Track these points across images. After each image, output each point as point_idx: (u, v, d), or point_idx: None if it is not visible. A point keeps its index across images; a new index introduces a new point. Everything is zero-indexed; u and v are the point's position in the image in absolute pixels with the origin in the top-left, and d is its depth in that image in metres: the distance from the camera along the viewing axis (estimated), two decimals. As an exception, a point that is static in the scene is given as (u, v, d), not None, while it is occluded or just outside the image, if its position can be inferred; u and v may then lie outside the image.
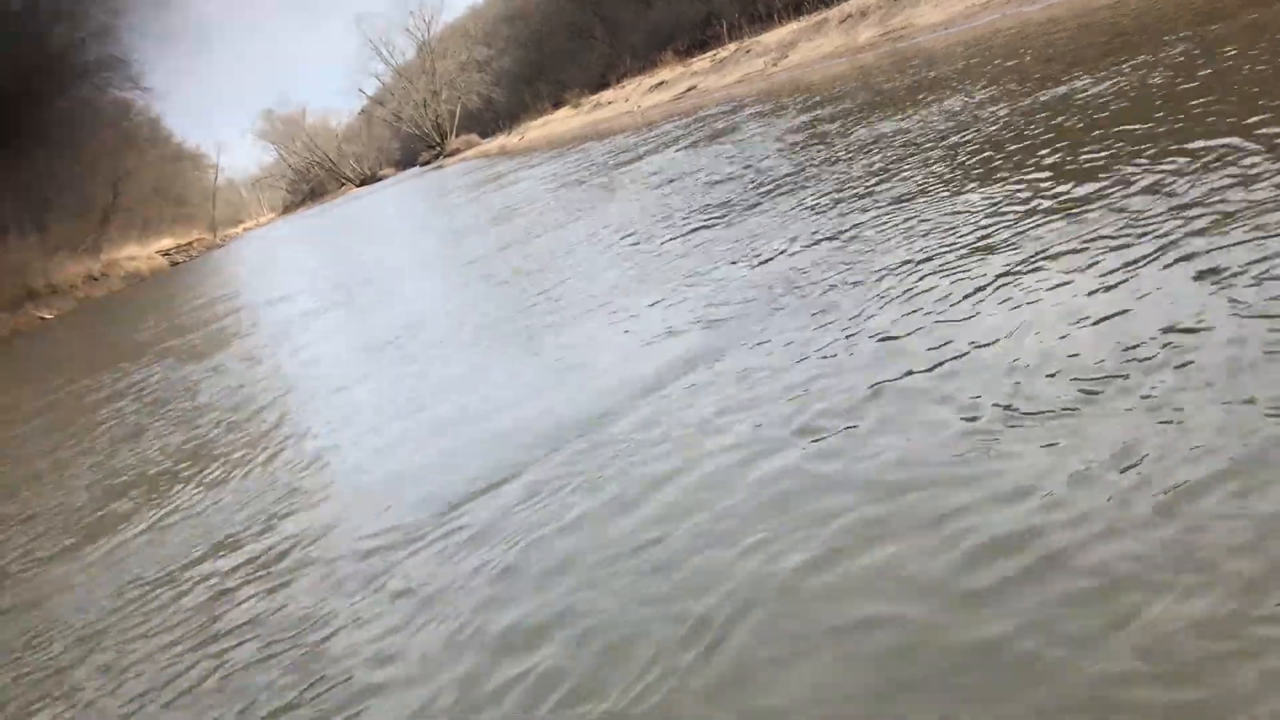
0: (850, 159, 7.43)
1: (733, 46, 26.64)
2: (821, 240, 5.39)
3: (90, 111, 62.12)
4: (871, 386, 3.37)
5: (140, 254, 57.39)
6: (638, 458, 3.48)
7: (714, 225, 6.78)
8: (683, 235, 6.79)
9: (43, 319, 39.66)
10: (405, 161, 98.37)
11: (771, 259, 5.39)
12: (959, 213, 4.98)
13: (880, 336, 3.77)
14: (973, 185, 5.48)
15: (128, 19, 57.30)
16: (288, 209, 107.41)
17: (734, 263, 5.60)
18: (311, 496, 4.25)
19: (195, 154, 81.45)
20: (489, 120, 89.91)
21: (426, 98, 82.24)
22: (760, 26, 32.89)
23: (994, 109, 7.37)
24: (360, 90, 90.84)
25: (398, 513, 3.77)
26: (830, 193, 6.52)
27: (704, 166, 10.06)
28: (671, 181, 9.81)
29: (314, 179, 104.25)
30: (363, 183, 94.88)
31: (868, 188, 6.29)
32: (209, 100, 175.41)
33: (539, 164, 21.69)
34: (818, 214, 6.06)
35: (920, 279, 4.21)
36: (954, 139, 6.76)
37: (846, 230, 5.41)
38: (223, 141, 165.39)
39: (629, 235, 7.51)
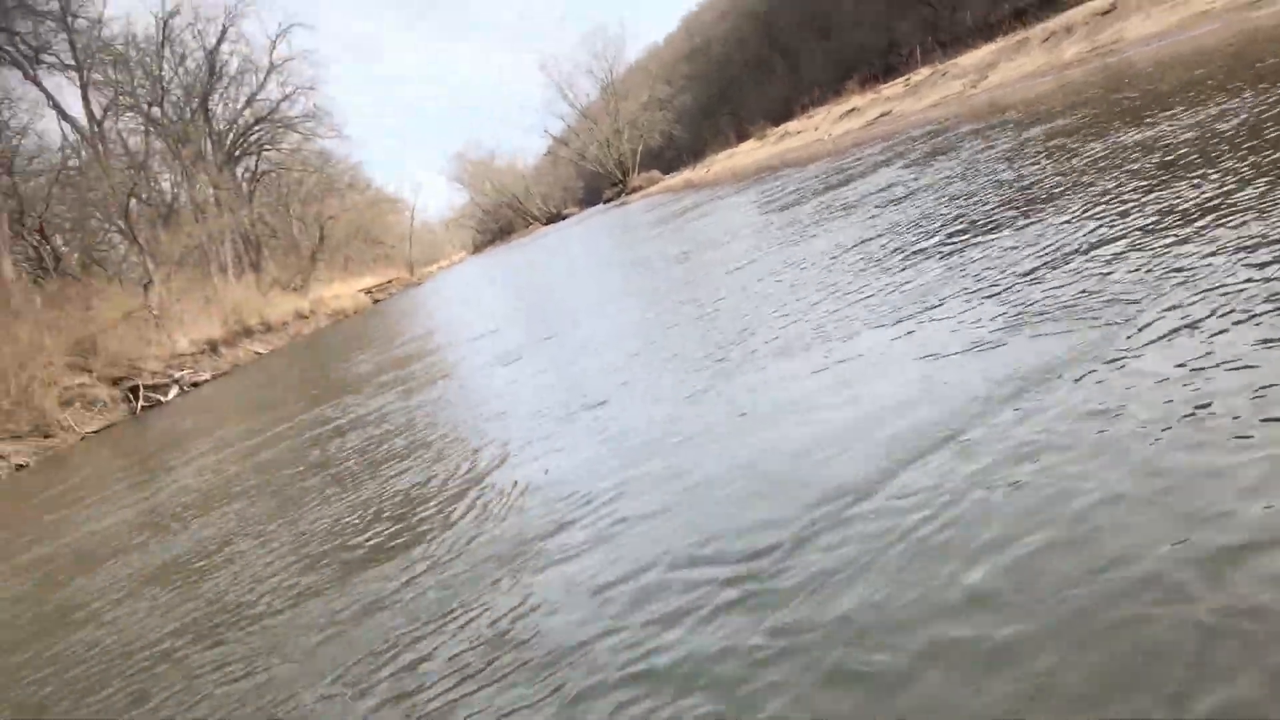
0: (1097, 171, 6.99)
1: (926, 70, 26.01)
2: (1113, 248, 4.92)
3: (297, 159, 66.73)
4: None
5: (344, 292, 60.70)
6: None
7: (966, 241, 6.40)
8: (941, 251, 6.45)
9: (258, 354, 42.27)
10: (588, 199, 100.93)
11: (1059, 268, 4.94)
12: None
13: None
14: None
15: (332, 73, 61.37)
16: (478, 248, 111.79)
17: (1022, 274, 5.10)
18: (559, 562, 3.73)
19: (393, 197, 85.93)
20: (670, 157, 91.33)
21: (610, 137, 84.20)
22: (952, 50, 32.12)
23: (1237, 118, 6.82)
24: (546, 131, 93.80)
25: (660, 598, 3.08)
26: (1094, 204, 6.08)
27: (927, 184, 9.74)
28: (895, 203, 9.52)
29: (503, 218, 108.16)
30: (549, 221, 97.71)
31: (1132, 197, 5.83)
32: (404, 145, 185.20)
33: (730, 195, 21.64)
34: (1080, 225, 5.62)
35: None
36: (1214, 149, 6.25)
37: (1134, 238, 4.92)
38: (419, 184, 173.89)
39: (895, 250, 7.19)
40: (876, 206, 9.56)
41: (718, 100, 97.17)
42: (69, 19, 42.82)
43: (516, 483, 4.91)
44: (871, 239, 7.73)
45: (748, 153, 37.33)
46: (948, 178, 9.66)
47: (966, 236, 6.38)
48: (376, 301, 61.41)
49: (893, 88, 26.87)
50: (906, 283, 5.77)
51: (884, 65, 60.16)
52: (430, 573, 4.08)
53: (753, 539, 3.14)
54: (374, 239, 78.79)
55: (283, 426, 10.24)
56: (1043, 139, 9.84)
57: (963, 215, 7.17)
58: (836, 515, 3.07)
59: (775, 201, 15.50)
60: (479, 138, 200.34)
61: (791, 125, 34.07)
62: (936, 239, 6.68)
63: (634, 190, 76.12)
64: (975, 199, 7.69)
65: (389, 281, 68.98)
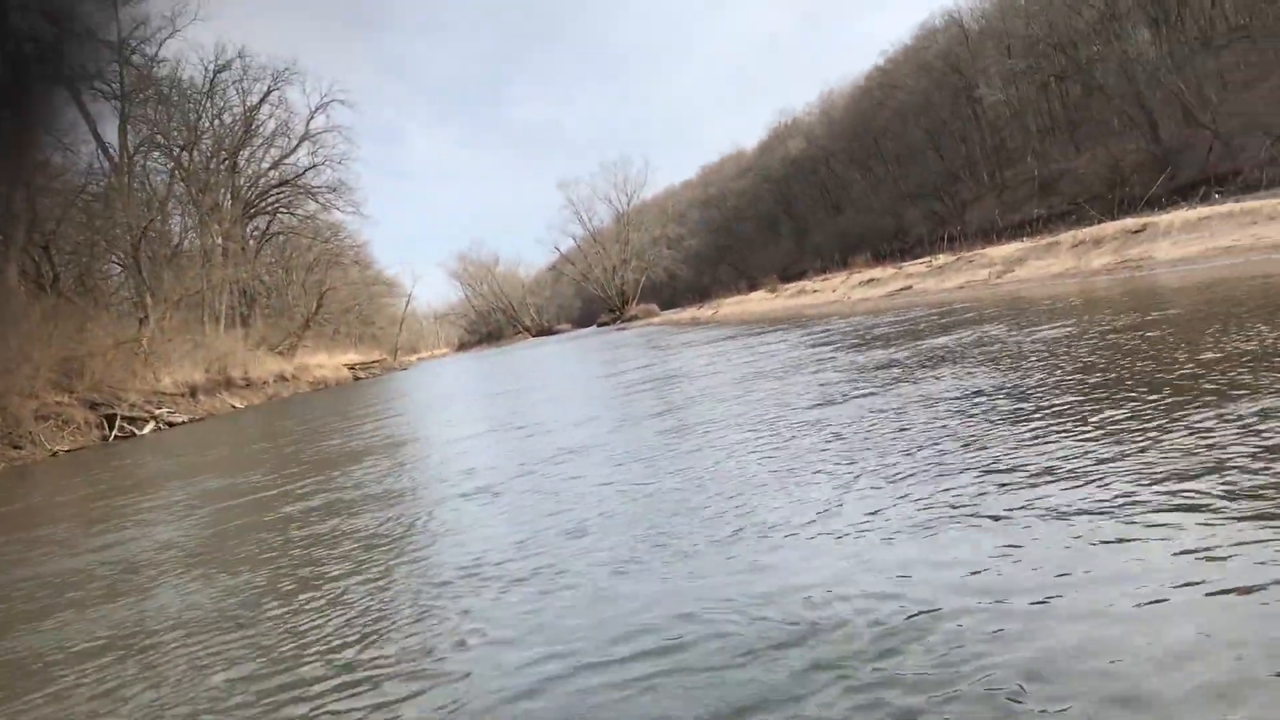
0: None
1: (947, 256, 26.94)
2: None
3: (310, 227, 67.48)
4: None
5: (329, 363, 60.59)
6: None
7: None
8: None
9: (234, 407, 41.85)
10: (581, 320, 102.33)
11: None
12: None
13: None
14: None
15: (362, 151, 62.62)
16: (463, 346, 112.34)
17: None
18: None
19: (391, 281, 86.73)
20: (668, 294, 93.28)
21: (616, 264, 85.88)
22: (962, 245, 33.39)
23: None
24: (555, 248, 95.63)
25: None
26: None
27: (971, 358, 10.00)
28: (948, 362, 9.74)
29: (493, 323, 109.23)
30: (539, 333, 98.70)
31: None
32: (411, 232, 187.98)
33: (746, 335, 21.99)
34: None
35: None
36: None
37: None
38: (418, 275, 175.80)
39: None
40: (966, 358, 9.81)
41: (723, 249, 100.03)
42: (124, 50, 43.74)
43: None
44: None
45: (758, 301, 38.22)
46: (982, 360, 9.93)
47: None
48: (358, 379, 61.22)
49: (916, 265, 27.75)
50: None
51: (889, 248, 62.46)
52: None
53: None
54: (365, 318, 79.12)
55: (250, 494, 9.76)
56: (1080, 334, 10.20)
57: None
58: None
59: (812, 351, 15.78)
60: (484, 239, 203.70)
61: (808, 284, 34.97)
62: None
63: (630, 319, 77.31)
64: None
65: (374, 361, 68.93)
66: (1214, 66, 49.13)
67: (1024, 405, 6.46)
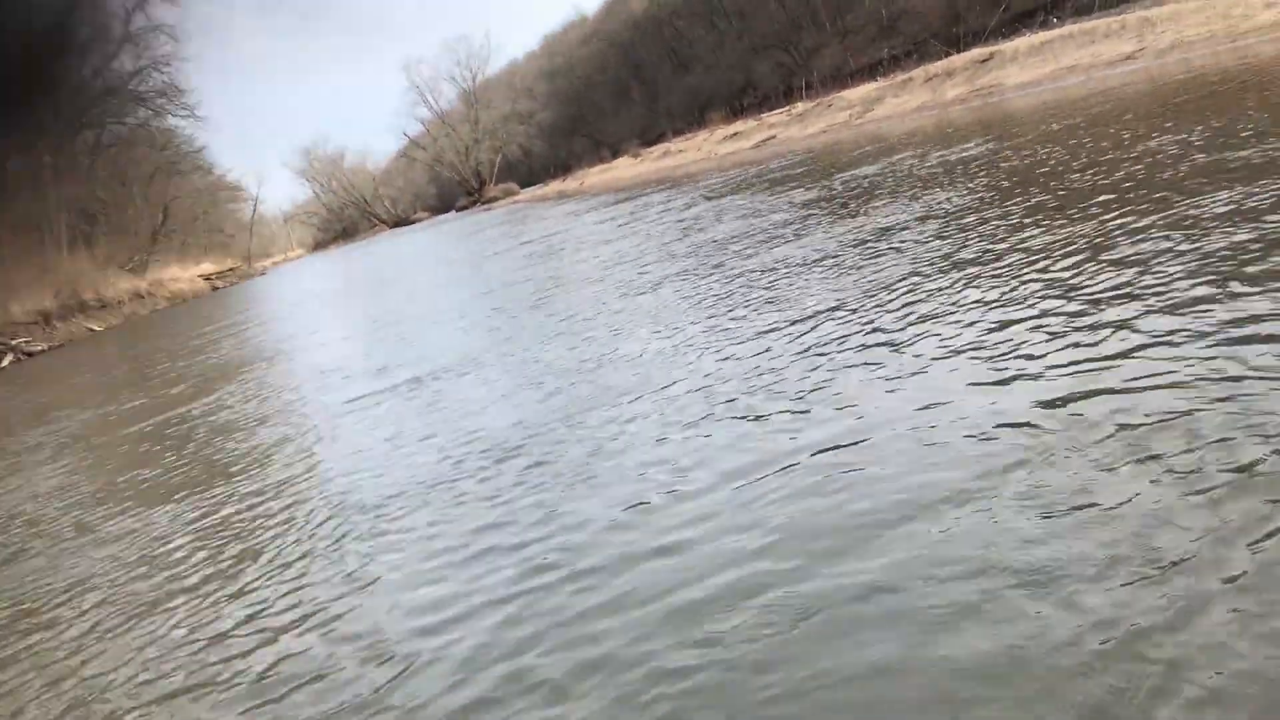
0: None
1: (807, 103, 27.36)
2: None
3: (144, 136, 63.59)
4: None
5: (183, 276, 58.21)
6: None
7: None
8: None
9: (91, 330, 40.11)
10: (439, 207, 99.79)
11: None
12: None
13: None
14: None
15: (189, 50, 58.63)
16: (318, 246, 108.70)
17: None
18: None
19: (235, 185, 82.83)
20: (524, 171, 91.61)
21: (469, 145, 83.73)
22: (817, 93, 33.79)
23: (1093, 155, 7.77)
24: (404, 134, 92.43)
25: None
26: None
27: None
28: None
29: (347, 219, 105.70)
30: (396, 224, 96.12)
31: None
32: (250, 132, 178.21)
33: (627, 202, 22.10)
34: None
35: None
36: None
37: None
38: (262, 175, 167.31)
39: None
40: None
41: (576, 120, 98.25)
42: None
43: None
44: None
45: (625, 168, 38.09)
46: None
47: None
48: (215, 289, 59.09)
49: (776, 115, 28.11)
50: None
51: (738, 106, 62.55)
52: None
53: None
54: (214, 225, 75.70)
55: (131, 422, 9.16)
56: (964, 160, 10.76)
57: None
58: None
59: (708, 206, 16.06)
60: (328, 133, 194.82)
61: (673, 145, 34.99)
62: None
63: (490, 200, 75.87)
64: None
65: (230, 269, 66.45)
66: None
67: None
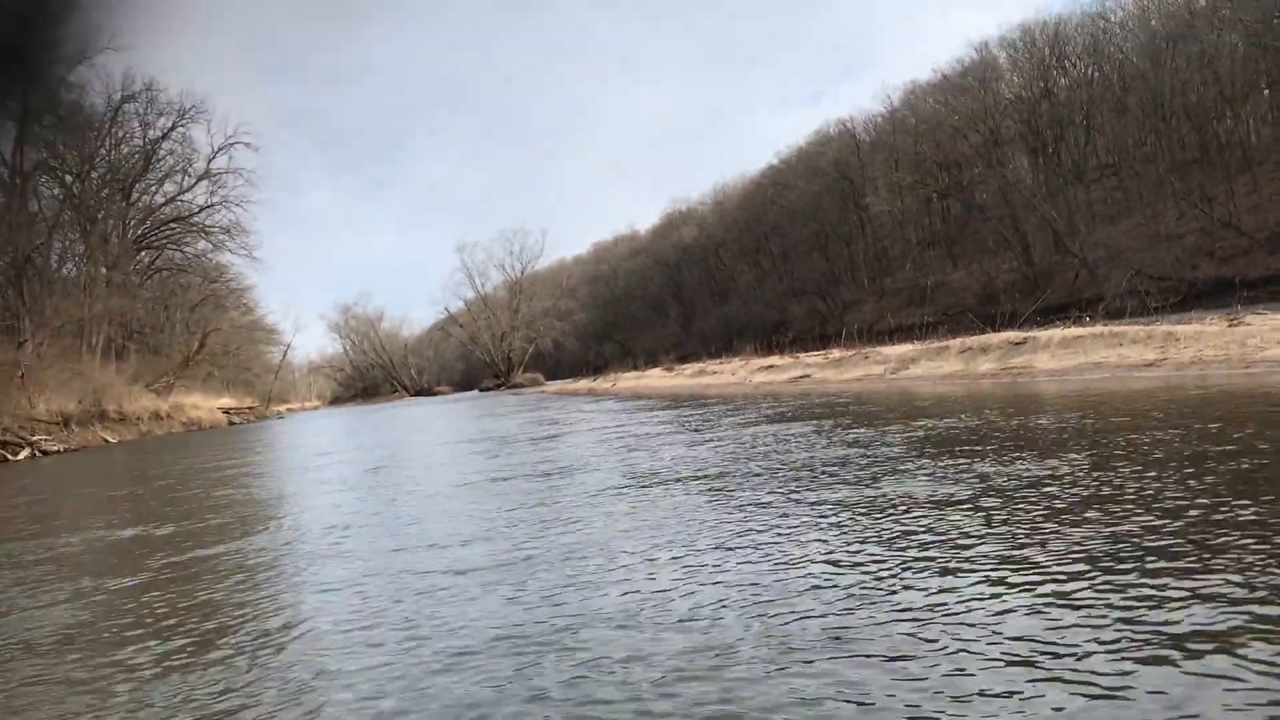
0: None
1: (844, 350, 28.72)
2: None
3: (197, 265, 66.22)
4: None
5: (203, 405, 59.19)
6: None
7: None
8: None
9: (106, 440, 40.72)
10: (462, 384, 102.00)
11: None
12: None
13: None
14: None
15: (261, 195, 61.87)
16: (335, 400, 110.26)
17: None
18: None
19: (272, 328, 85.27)
20: (552, 364, 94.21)
21: (505, 330, 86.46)
22: (847, 343, 35.35)
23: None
24: (446, 309, 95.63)
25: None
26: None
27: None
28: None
29: (370, 379, 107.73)
30: (418, 393, 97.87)
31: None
32: (295, 278, 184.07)
33: (662, 410, 22.87)
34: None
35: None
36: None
37: None
38: (299, 322, 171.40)
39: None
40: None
41: (611, 326, 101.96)
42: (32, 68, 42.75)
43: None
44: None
45: (657, 379, 39.46)
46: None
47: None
48: (232, 424, 59.91)
49: (813, 356, 29.44)
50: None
51: (772, 341, 64.96)
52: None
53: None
54: (242, 363, 77.48)
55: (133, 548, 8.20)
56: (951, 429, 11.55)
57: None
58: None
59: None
60: (371, 292, 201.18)
61: (708, 365, 36.39)
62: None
63: (516, 385, 77.72)
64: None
65: (250, 408, 67.54)
66: (1084, 199, 53.69)
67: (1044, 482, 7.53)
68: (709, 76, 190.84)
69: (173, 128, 56.53)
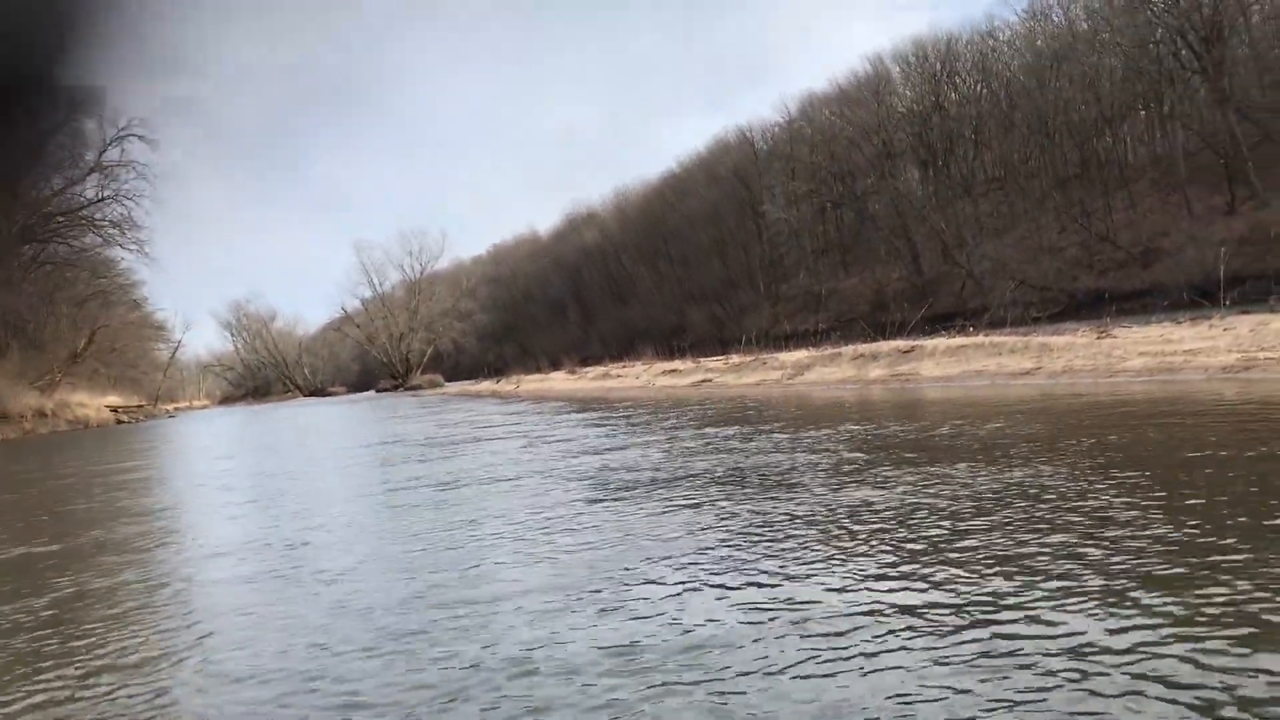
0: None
1: (743, 356, 29.76)
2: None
3: (85, 260, 63.96)
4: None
5: (90, 403, 57.48)
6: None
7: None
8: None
9: (-14, 440, 39.52)
10: (358, 385, 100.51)
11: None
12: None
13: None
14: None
15: (152, 187, 59.66)
16: (226, 399, 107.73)
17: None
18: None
19: (160, 325, 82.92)
20: (450, 365, 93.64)
21: (404, 331, 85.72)
22: (744, 349, 36.54)
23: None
24: (343, 308, 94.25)
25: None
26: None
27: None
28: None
29: (262, 378, 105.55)
30: (311, 393, 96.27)
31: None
32: (184, 274, 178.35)
33: (574, 412, 23.44)
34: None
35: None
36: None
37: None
38: (188, 320, 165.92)
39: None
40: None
41: (510, 328, 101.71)
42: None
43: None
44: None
45: (560, 382, 40.04)
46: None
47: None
48: (120, 422, 58.31)
49: (714, 361, 30.42)
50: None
51: (671, 345, 66.04)
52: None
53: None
54: (129, 360, 75.18)
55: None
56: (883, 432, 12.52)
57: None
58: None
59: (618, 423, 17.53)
60: (263, 290, 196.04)
61: (611, 369, 37.15)
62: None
63: (415, 387, 77.17)
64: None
65: (138, 406, 65.70)
66: (972, 211, 56.09)
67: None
68: (611, 83, 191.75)
69: (64, 121, 54.35)
